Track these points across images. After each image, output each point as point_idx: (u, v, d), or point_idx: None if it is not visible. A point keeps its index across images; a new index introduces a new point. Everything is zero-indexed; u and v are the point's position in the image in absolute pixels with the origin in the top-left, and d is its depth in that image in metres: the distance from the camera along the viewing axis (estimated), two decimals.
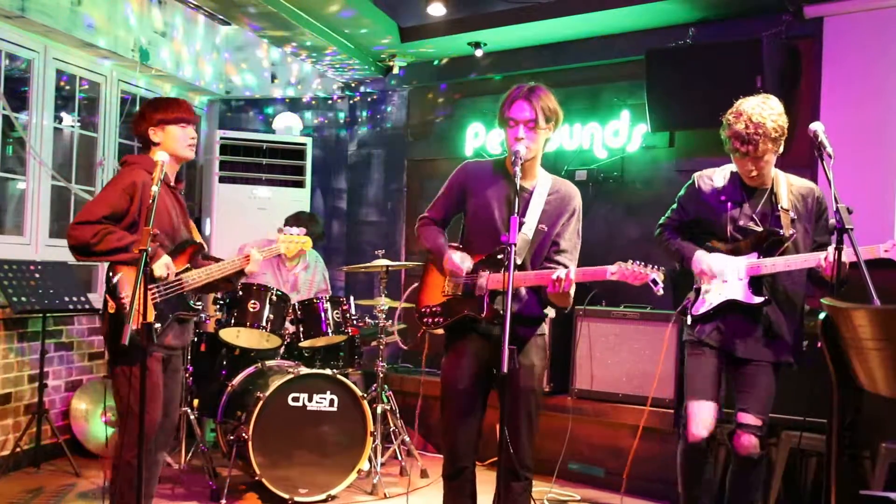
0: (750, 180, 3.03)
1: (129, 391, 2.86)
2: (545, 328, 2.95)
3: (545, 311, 2.92)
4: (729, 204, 3.06)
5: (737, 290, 2.99)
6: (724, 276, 3.02)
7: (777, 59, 4.28)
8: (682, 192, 3.25)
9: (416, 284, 3.22)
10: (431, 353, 4.91)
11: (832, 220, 2.59)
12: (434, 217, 3.00)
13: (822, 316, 1.91)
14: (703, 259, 3.08)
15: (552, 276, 2.65)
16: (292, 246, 3.50)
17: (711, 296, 3.06)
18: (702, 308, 3.08)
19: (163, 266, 2.94)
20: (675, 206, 3.27)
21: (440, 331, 2.97)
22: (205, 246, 3.23)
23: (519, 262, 2.75)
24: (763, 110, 2.88)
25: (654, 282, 2.56)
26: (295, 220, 4.78)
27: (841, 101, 4.16)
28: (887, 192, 4.00)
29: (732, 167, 3.11)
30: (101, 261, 3.04)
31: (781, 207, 2.99)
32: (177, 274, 3.01)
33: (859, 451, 3.59)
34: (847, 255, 2.56)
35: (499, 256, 2.75)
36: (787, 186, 3.04)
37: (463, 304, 2.82)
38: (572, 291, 2.69)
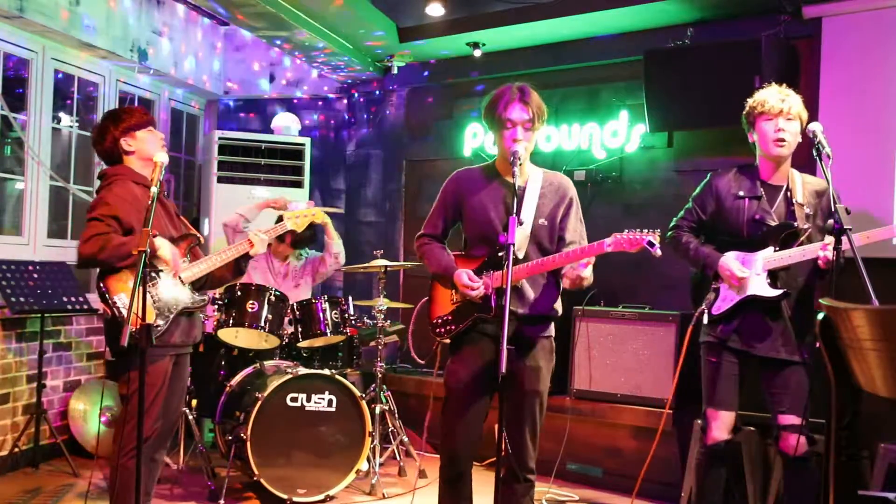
0: (775, 155, 3.00)
1: (129, 395, 2.85)
2: (552, 330, 2.93)
3: (555, 307, 2.89)
4: (746, 200, 3.06)
5: (756, 284, 2.97)
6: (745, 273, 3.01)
7: (776, 59, 4.28)
8: (697, 192, 3.23)
9: (425, 299, 3.15)
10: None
11: (830, 221, 2.59)
12: (432, 233, 2.98)
13: (820, 316, 1.91)
14: (730, 262, 3.01)
15: (566, 284, 2.75)
16: (301, 220, 3.31)
17: (732, 293, 3.03)
18: (724, 307, 3.05)
19: (167, 248, 2.89)
20: (689, 205, 3.24)
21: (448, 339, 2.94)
22: (201, 239, 3.18)
23: (521, 255, 2.77)
24: (787, 91, 3.03)
25: (651, 243, 2.56)
26: None
27: (839, 101, 4.16)
28: (886, 192, 4.00)
29: (748, 166, 3.14)
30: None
31: (796, 202, 3.01)
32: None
33: (857, 452, 3.58)
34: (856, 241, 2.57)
35: (500, 254, 2.75)
36: (803, 184, 3.07)
37: (472, 307, 2.81)
38: (589, 272, 2.67)
